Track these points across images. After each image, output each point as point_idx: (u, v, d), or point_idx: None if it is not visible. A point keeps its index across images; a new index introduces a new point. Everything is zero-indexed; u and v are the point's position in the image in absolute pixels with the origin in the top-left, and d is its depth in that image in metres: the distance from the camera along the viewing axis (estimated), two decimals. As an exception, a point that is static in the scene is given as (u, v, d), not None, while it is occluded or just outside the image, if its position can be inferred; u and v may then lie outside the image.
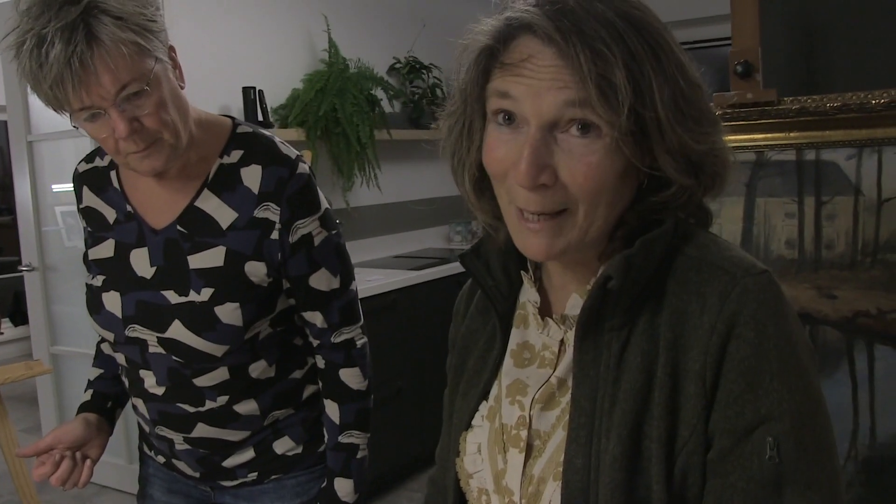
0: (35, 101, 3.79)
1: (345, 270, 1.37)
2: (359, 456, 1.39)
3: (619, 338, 0.77)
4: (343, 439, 1.37)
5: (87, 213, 1.39)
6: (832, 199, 1.61)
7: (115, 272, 1.32)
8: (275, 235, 1.27)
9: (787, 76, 1.85)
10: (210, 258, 1.27)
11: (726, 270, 0.74)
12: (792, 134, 1.63)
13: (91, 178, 1.39)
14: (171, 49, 1.23)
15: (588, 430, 0.77)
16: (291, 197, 1.27)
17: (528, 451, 0.84)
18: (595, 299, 0.77)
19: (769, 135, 1.65)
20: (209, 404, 1.32)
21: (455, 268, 3.90)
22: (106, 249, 1.34)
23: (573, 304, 0.84)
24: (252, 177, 1.27)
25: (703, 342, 0.72)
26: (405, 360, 3.62)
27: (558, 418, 0.83)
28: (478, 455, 0.90)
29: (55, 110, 1.18)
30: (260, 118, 3.57)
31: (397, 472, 3.69)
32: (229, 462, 1.38)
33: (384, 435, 3.40)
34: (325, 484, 1.39)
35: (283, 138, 3.80)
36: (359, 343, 1.39)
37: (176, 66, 1.23)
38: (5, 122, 3.95)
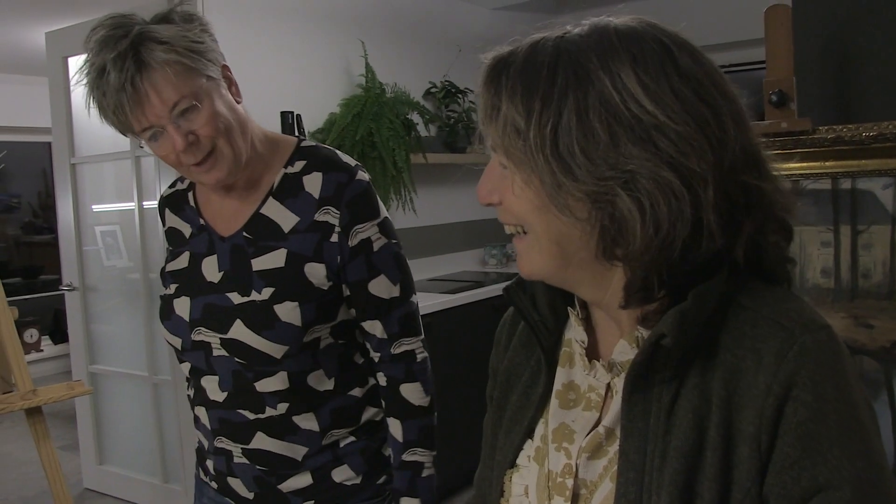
0: (78, 125, 3.90)
1: (405, 281, 1.38)
2: (424, 474, 1.38)
3: (670, 391, 0.74)
4: (407, 457, 1.37)
5: (170, 233, 1.48)
6: (868, 229, 1.60)
7: (188, 280, 1.39)
8: (334, 238, 1.32)
9: (822, 105, 1.85)
10: (272, 260, 1.33)
11: (783, 326, 0.70)
12: (827, 163, 1.63)
13: (172, 200, 1.49)
14: (225, 67, 1.32)
15: (638, 486, 0.74)
16: (350, 201, 1.32)
17: (575, 499, 0.82)
18: (646, 354, 0.73)
19: (804, 164, 1.65)
20: (269, 411, 1.33)
21: (490, 291, 3.90)
22: (182, 261, 1.42)
23: (621, 349, 0.82)
24: (313, 183, 1.34)
25: (758, 403, 0.69)
26: (439, 384, 3.61)
27: (605, 468, 0.81)
28: (524, 497, 0.88)
29: (125, 134, 1.30)
30: (297, 142, 3.62)
31: (456, 485, 3.69)
32: (286, 486, 1.37)
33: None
34: None
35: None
36: (419, 357, 1.39)
37: (231, 83, 1.33)
38: (49, 144, 4.04)
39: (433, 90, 4.46)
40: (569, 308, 0.89)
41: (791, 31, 1.69)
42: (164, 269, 1.46)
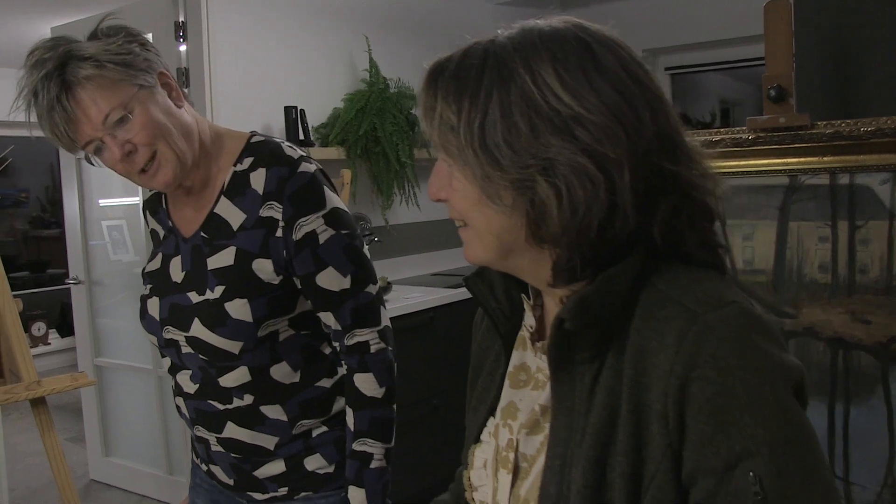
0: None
1: (357, 272, 1.37)
2: (373, 465, 1.37)
3: (591, 371, 0.78)
4: (357, 447, 1.38)
5: (151, 235, 1.54)
6: (866, 224, 1.61)
7: (159, 280, 1.44)
8: (279, 233, 1.33)
9: (820, 100, 1.85)
10: (223, 258, 1.36)
11: (686, 307, 0.73)
12: (825, 158, 1.63)
13: (150, 203, 1.54)
14: (163, 74, 1.34)
15: (562, 460, 0.79)
16: (292, 195, 1.33)
17: (516, 472, 0.87)
18: (556, 338, 0.79)
19: (802, 159, 1.65)
20: (236, 402, 1.37)
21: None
22: (156, 263, 1.47)
23: None
24: (258, 179, 1.36)
25: (662, 383, 0.72)
26: (442, 378, 3.64)
27: (542, 444, 0.85)
28: (483, 470, 0.94)
29: (73, 152, 1.33)
30: (301, 137, 3.64)
31: (433, 489, 3.70)
32: (260, 472, 1.41)
33: (421, 452, 3.42)
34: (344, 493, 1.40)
35: (324, 157, 3.85)
36: (374, 348, 1.38)
37: (172, 88, 1.35)
38: (56, 139, 4.06)
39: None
40: (522, 295, 0.93)
41: (791, 26, 1.69)
42: (143, 269, 1.50)
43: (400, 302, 3.46)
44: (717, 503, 0.71)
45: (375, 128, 3.76)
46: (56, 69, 1.24)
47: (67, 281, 4.08)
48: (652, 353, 0.74)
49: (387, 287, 3.59)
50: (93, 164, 1.34)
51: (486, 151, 0.75)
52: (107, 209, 4.10)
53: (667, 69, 4.84)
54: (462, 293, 3.74)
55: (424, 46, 4.41)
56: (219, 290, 1.34)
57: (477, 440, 0.97)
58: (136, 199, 3.81)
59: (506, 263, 0.83)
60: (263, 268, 1.34)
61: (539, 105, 0.73)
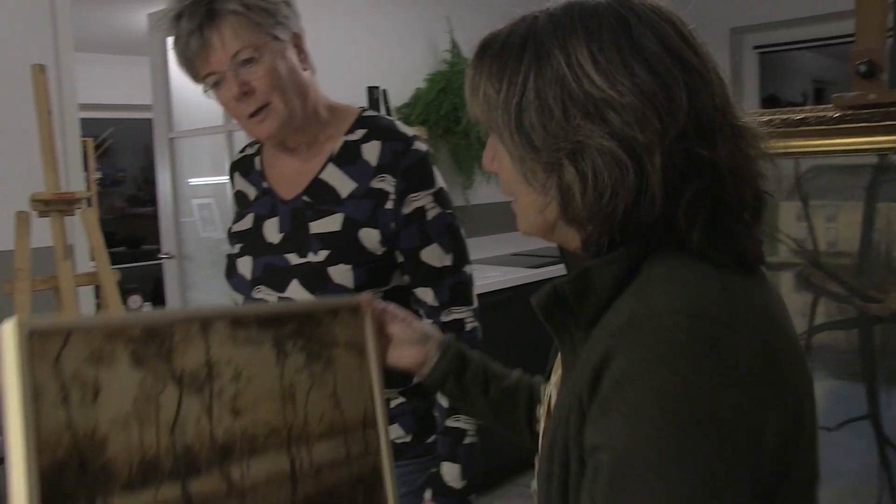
0: (177, 101, 4.07)
1: (458, 251, 1.41)
2: (466, 441, 1.40)
3: (578, 349, 0.79)
4: (450, 423, 1.41)
5: (237, 196, 1.57)
6: (960, 204, 1.55)
7: (251, 240, 1.47)
8: (389, 205, 1.36)
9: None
10: (329, 223, 1.38)
11: (631, 306, 0.73)
12: (918, 136, 1.57)
13: (241, 164, 1.58)
14: (297, 35, 1.40)
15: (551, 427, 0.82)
16: (406, 170, 1.37)
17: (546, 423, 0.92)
18: (544, 300, 0.80)
19: (893, 137, 1.60)
20: None
21: (571, 267, 3.89)
22: (246, 223, 1.49)
23: None
24: (371, 151, 1.39)
25: (587, 369, 0.73)
26: (520, 357, 3.65)
27: None
28: (540, 408, 1.00)
29: (193, 79, 1.39)
30: (383, 117, 3.69)
31: (510, 466, 3.74)
32: None
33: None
34: (434, 469, 1.42)
35: (405, 137, 3.84)
36: (468, 326, 1.42)
37: (301, 51, 1.41)
38: (151, 121, 4.22)
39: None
40: None
41: None
42: (230, 229, 1.54)
43: (479, 281, 3.47)
44: (584, 476, 0.73)
45: (457, 108, 3.78)
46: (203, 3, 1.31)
47: (160, 256, 4.25)
48: (596, 340, 0.75)
49: (466, 266, 3.62)
50: (207, 97, 1.39)
51: (522, 133, 0.76)
52: (197, 188, 4.25)
53: (755, 48, 4.71)
54: (541, 273, 3.74)
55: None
56: (322, 254, 1.37)
57: (548, 379, 0.98)
58: (225, 179, 3.93)
59: (553, 237, 0.84)
60: (369, 237, 1.37)
61: (572, 88, 0.73)
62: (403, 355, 1.12)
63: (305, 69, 1.41)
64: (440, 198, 1.40)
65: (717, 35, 4.56)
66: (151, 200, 7.08)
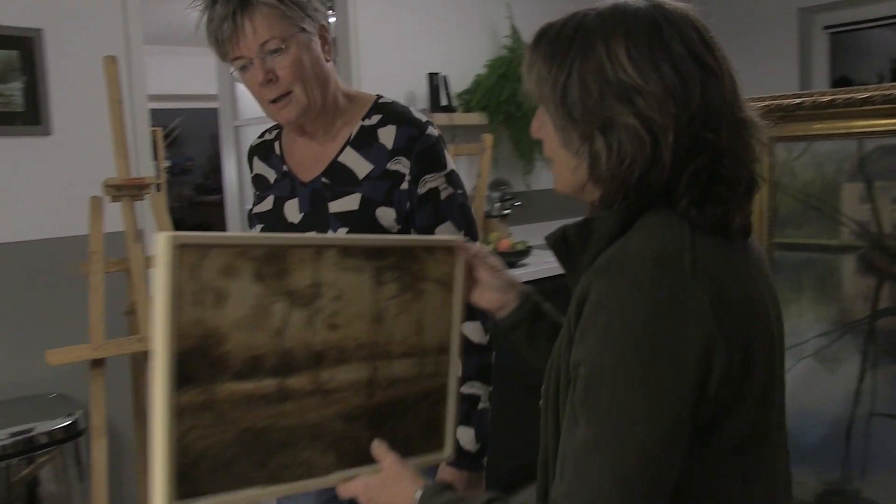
0: (241, 90, 4.15)
1: (470, 228, 1.50)
2: (479, 407, 1.48)
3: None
4: (465, 390, 1.47)
5: (256, 179, 1.65)
6: None
7: (272, 221, 1.56)
8: (404, 186, 1.45)
9: None
10: (347, 203, 1.46)
11: (612, 252, 0.91)
12: None
13: (260, 149, 1.67)
14: (323, 27, 1.48)
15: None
16: (420, 153, 1.46)
17: None
18: (555, 239, 1.01)
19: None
20: None
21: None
22: (266, 204, 1.58)
23: None
24: (387, 135, 1.47)
25: (574, 302, 0.92)
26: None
27: None
28: None
29: (221, 59, 1.47)
30: (444, 103, 3.71)
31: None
32: None
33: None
34: None
35: (466, 122, 3.91)
36: None
37: (326, 42, 1.48)
38: (217, 110, 4.32)
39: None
40: None
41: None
42: (251, 211, 1.62)
43: (538, 266, 3.49)
44: (570, 386, 0.91)
45: (517, 93, 3.77)
46: None
47: (227, 242, 4.35)
48: (584, 279, 0.91)
49: (526, 251, 3.63)
50: (234, 80, 1.48)
51: (565, 106, 0.93)
52: (262, 175, 4.34)
53: (825, 28, 4.58)
54: (601, 259, 3.72)
55: (565, 12, 4.37)
56: (341, 232, 1.45)
57: None
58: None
59: (582, 195, 1.00)
60: (386, 216, 1.45)
61: (608, 75, 0.90)
62: (485, 297, 1.25)
63: (328, 60, 1.49)
64: (452, 179, 1.50)
65: (784, 16, 4.45)
66: (218, 188, 7.25)
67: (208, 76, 4.69)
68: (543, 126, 1.00)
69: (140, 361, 2.32)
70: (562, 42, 0.94)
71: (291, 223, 1.52)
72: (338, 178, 1.49)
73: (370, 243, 1.14)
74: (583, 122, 0.92)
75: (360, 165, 1.47)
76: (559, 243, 1.00)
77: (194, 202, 8.75)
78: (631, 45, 0.90)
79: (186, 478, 0.99)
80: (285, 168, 1.57)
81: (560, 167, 1.00)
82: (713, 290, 0.86)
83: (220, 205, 5.30)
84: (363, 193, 1.45)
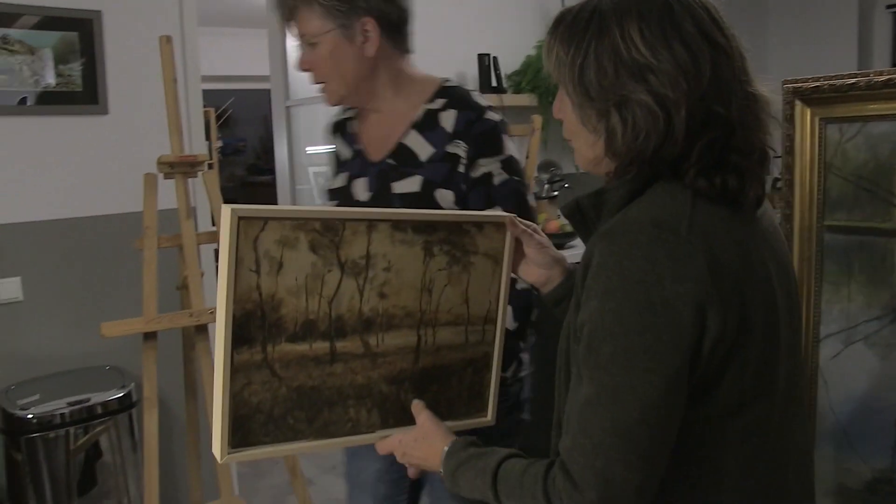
0: (292, 70, 4.19)
1: (523, 216, 1.44)
2: (518, 287, 1.49)
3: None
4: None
5: (334, 155, 1.75)
6: None
7: (343, 197, 1.64)
8: (461, 169, 1.49)
9: None
10: (409, 184, 1.53)
11: (615, 221, 0.96)
12: None
13: (339, 126, 1.75)
14: (366, 21, 1.51)
15: None
16: (476, 137, 1.49)
17: None
18: (570, 210, 1.08)
19: None
20: None
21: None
22: (340, 181, 1.67)
23: None
24: (448, 119, 1.52)
25: (581, 266, 0.97)
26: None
27: None
28: None
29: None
30: (494, 84, 3.70)
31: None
32: None
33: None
34: None
35: (516, 104, 3.90)
36: (520, 286, 1.48)
37: (366, 39, 1.52)
38: (269, 91, 4.37)
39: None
40: None
41: None
42: (327, 186, 1.70)
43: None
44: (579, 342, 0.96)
45: (566, 75, 3.74)
46: None
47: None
48: (590, 245, 0.97)
49: (573, 233, 3.61)
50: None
51: (582, 85, 0.98)
52: (313, 156, 4.37)
53: (888, 7, 4.45)
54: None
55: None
56: None
57: None
58: (339, 147, 4.04)
59: (599, 169, 1.05)
60: (444, 197, 1.50)
61: (623, 55, 0.95)
62: (531, 272, 1.30)
63: (369, 54, 1.53)
64: (509, 165, 1.51)
65: (845, -5, 4.34)
66: (270, 169, 7.34)
67: (260, 57, 4.75)
68: (563, 107, 1.05)
69: (190, 336, 2.37)
70: (579, 25, 0.98)
71: (359, 201, 1.60)
72: (402, 159, 1.55)
73: (421, 218, 1.20)
74: (599, 100, 0.97)
75: (422, 148, 1.53)
76: (575, 214, 1.07)
77: (246, 183, 8.86)
78: (644, 26, 0.94)
79: (241, 429, 1.11)
80: (358, 147, 1.66)
81: (580, 144, 1.05)
82: (709, 253, 0.90)
83: (271, 185, 5.36)
84: (424, 176, 1.51)
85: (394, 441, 1.19)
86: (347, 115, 1.73)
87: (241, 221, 1.04)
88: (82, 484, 2.52)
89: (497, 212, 1.47)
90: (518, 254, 1.29)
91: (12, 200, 2.68)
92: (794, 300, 1.05)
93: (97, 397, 2.53)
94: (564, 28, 1.00)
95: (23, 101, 2.65)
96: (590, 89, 0.97)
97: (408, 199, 1.51)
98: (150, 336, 2.18)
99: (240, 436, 1.11)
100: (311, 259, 1.10)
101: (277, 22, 1.53)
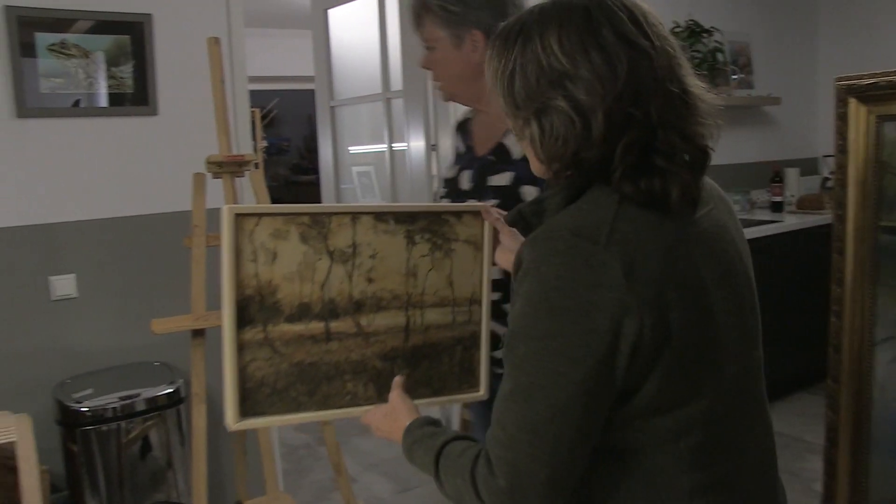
0: (337, 71, 4.23)
1: None
2: None
3: None
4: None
5: (454, 150, 1.98)
6: None
7: (451, 186, 1.86)
8: None
9: None
10: (502, 179, 1.71)
11: (542, 227, 0.99)
12: None
13: (461, 124, 1.98)
14: (474, 35, 1.72)
15: None
16: None
17: None
18: (513, 218, 1.24)
19: None
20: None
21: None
22: (451, 172, 1.89)
23: None
24: None
25: (514, 267, 1.01)
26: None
27: None
28: None
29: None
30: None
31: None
32: None
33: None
34: None
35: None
36: None
37: (474, 48, 1.72)
38: (313, 92, 4.40)
39: (676, 30, 4.31)
40: None
41: None
42: (442, 174, 1.98)
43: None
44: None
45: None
46: None
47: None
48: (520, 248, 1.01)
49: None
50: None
51: (511, 95, 1.02)
52: (356, 156, 4.40)
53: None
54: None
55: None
56: (491, 202, 1.61)
57: None
58: (384, 147, 4.07)
59: (548, 174, 1.06)
60: (529, 192, 1.66)
61: (543, 64, 0.98)
62: (505, 258, 1.39)
63: (476, 60, 1.70)
64: None
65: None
66: (313, 169, 7.40)
67: (304, 58, 4.79)
68: None
69: (239, 333, 2.40)
70: (509, 38, 1.02)
71: (463, 190, 1.80)
72: (500, 156, 1.74)
73: (402, 209, 1.33)
74: (524, 108, 1.01)
75: (516, 148, 1.70)
76: (518, 221, 1.15)
77: (290, 182, 8.95)
78: (563, 35, 0.97)
79: (249, 399, 1.26)
80: (470, 143, 1.88)
81: (527, 153, 1.08)
82: (627, 260, 0.93)
83: (314, 185, 5.41)
84: (516, 172, 1.68)
85: (368, 416, 1.29)
86: (468, 115, 1.95)
87: (237, 218, 1.21)
88: (133, 476, 2.57)
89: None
90: (494, 241, 1.39)
91: (68, 199, 2.74)
92: (746, 299, 1.07)
93: (147, 392, 2.58)
94: (499, 41, 1.04)
95: (76, 103, 2.71)
96: (517, 99, 1.01)
97: (498, 192, 1.69)
98: (198, 333, 2.22)
99: (248, 405, 1.26)
100: (303, 249, 1.25)
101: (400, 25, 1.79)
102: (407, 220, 1.32)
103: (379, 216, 1.30)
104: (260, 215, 1.22)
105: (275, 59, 7.06)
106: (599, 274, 0.92)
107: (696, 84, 1.01)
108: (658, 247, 0.95)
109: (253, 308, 1.23)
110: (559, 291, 0.92)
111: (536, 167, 1.08)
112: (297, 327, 1.26)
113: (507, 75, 1.01)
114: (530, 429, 0.94)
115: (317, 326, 1.28)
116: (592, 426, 0.95)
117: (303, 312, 1.26)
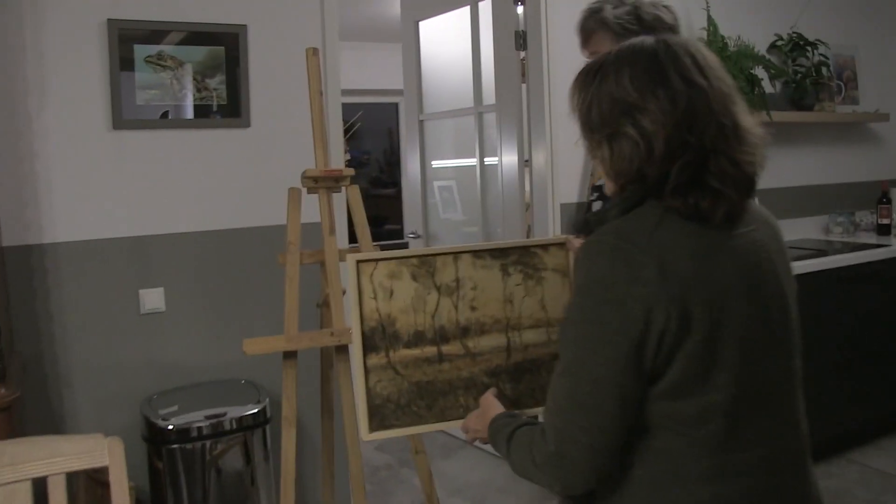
0: (427, 84, 4.15)
1: None
2: None
3: None
4: None
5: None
6: None
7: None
8: None
9: None
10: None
11: (595, 233, 1.16)
12: None
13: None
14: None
15: None
16: None
17: None
18: (579, 226, 1.35)
19: None
20: None
21: (834, 261, 3.57)
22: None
23: None
24: None
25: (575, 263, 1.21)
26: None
27: None
28: None
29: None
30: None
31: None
32: None
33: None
34: None
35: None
36: None
37: None
38: (395, 105, 4.33)
39: (779, 43, 4.13)
40: None
41: None
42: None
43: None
44: None
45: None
46: (594, 13, 2.05)
47: (409, 235, 4.37)
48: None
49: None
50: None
51: (588, 121, 1.20)
52: (438, 170, 4.32)
53: None
54: (799, 268, 3.45)
55: (766, 1, 4.09)
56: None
57: None
58: (467, 161, 3.97)
59: (615, 188, 1.23)
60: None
61: (616, 97, 1.16)
62: None
63: None
64: None
65: None
66: (393, 182, 7.37)
67: (385, 71, 4.73)
68: None
69: (329, 355, 2.33)
70: (589, 74, 1.21)
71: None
72: None
73: (494, 246, 1.56)
74: (598, 132, 1.18)
75: None
76: (584, 229, 1.28)
77: (370, 195, 8.93)
78: (635, 73, 1.15)
79: (377, 415, 1.50)
80: None
81: (603, 174, 1.24)
82: (660, 261, 1.09)
83: (393, 198, 5.37)
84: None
85: (465, 421, 1.46)
86: None
87: (359, 264, 1.49)
88: (217, 494, 2.51)
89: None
90: None
91: (157, 212, 2.72)
92: (773, 311, 1.20)
93: (233, 412, 2.52)
94: (581, 77, 1.23)
95: (165, 114, 2.69)
96: (593, 125, 1.19)
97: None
98: (289, 355, 2.14)
99: (377, 420, 1.50)
100: (414, 286, 1.51)
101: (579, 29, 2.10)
102: (500, 255, 1.56)
103: (476, 254, 1.54)
104: (377, 260, 1.50)
105: (358, 71, 7.06)
106: (637, 271, 1.09)
107: (746, 119, 1.17)
108: (690, 252, 1.11)
109: (377, 337, 1.49)
110: (602, 284, 1.11)
111: (608, 184, 1.25)
112: (414, 351, 1.51)
113: (586, 105, 1.19)
114: (575, 399, 1.12)
115: (430, 350, 1.51)
116: (627, 401, 1.11)
117: (418, 339, 1.51)
